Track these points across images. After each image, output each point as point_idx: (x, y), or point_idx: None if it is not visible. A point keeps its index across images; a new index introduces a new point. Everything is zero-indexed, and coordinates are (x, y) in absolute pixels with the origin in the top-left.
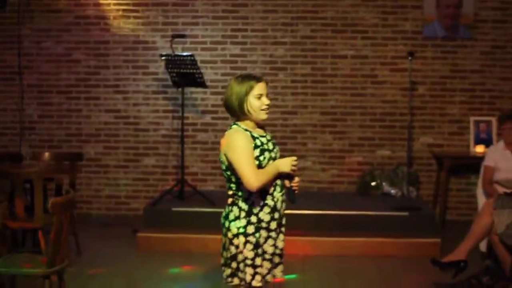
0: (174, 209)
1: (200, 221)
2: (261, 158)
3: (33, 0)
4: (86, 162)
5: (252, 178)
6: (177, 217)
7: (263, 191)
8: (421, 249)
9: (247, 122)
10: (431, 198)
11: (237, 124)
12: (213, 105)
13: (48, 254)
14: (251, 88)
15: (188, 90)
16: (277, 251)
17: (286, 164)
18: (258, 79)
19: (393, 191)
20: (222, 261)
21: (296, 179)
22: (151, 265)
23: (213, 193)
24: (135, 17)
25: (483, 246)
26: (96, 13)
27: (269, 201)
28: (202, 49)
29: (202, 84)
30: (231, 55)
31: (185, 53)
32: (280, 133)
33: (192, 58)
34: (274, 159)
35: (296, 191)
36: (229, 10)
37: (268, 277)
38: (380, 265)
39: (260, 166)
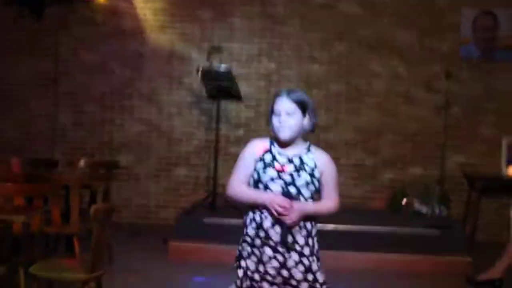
0: (206, 220)
1: (232, 233)
2: (261, 172)
3: (71, 10)
4: (117, 171)
5: (229, 183)
6: (209, 228)
7: (255, 206)
8: (452, 267)
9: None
10: (461, 218)
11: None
12: (246, 119)
13: (87, 260)
14: (273, 103)
15: (222, 103)
16: (267, 276)
17: (270, 201)
18: (281, 94)
19: (424, 209)
20: None
21: (289, 221)
22: (182, 274)
23: (245, 205)
24: (171, 30)
25: None
26: (133, 25)
27: (256, 216)
28: (238, 63)
29: (238, 98)
30: (266, 70)
31: (222, 66)
32: None
33: (229, 71)
34: (286, 182)
35: (289, 235)
36: (266, 26)
37: None
38: (411, 282)
39: (260, 180)
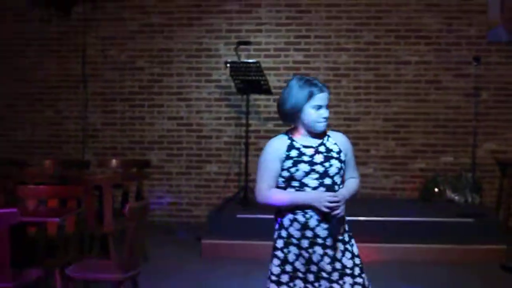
0: (238, 216)
1: (265, 228)
2: (293, 169)
3: (98, 8)
4: (149, 170)
5: (257, 190)
6: (242, 224)
7: (295, 207)
8: (486, 255)
9: (300, 129)
10: (494, 205)
11: (287, 131)
12: (276, 112)
13: (123, 259)
14: (311, 96)
15: (251, 97)
16: (323, 274)
17: (318, 200)
18: (320, 89)
19: (456, 198)
20: None
21: (340, 214)
22: (216, 272)
23: None
24: (198, 25)
25: None
26: (160, 21)
27: (299, 216)
28: (266, 56)
29: (267, 91)
30: (294, 62)
31: (250, 60)
32: None
33: (258, 65)
34: (320, 173)
35: (338, 225)
36: (293, 17)
37: None
38: (446, 272)
39: (293, 178)
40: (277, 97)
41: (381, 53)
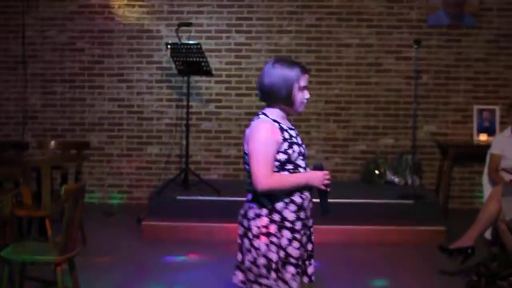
0: (179, 197)
1: (205, 210)
2: (290, 151)
3: None
4: (89, 151)
5: (260, 177)
6: (182, 205)
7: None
8: (426, 237)
9: (278, 111)
10: (434, 187)
11: (265, 114)
12: (217, 94)
13: (59, 241)
14: (298, 77)
15: (192, 79)
16: (306, 254)
17: (317, 179)
18: (304, 70)
19: (396, 180)
20: (237, 264)
21: (329, 189)
22: (156, 253)
23: (217, 182)
24: (140, 6)
25: (488, 234)
26: (100, 2)
27: (296, 198)
28: (207, 37)
29: (209, 73)
30: (236, 44)
31: (191, 42)
32: None
33: (199, 46)
34: (303, 154)
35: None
36: None
37: (293, 284)
38: (386, 253)
39: (289, 161)
40: (218, 79)
41: (323, 36)
